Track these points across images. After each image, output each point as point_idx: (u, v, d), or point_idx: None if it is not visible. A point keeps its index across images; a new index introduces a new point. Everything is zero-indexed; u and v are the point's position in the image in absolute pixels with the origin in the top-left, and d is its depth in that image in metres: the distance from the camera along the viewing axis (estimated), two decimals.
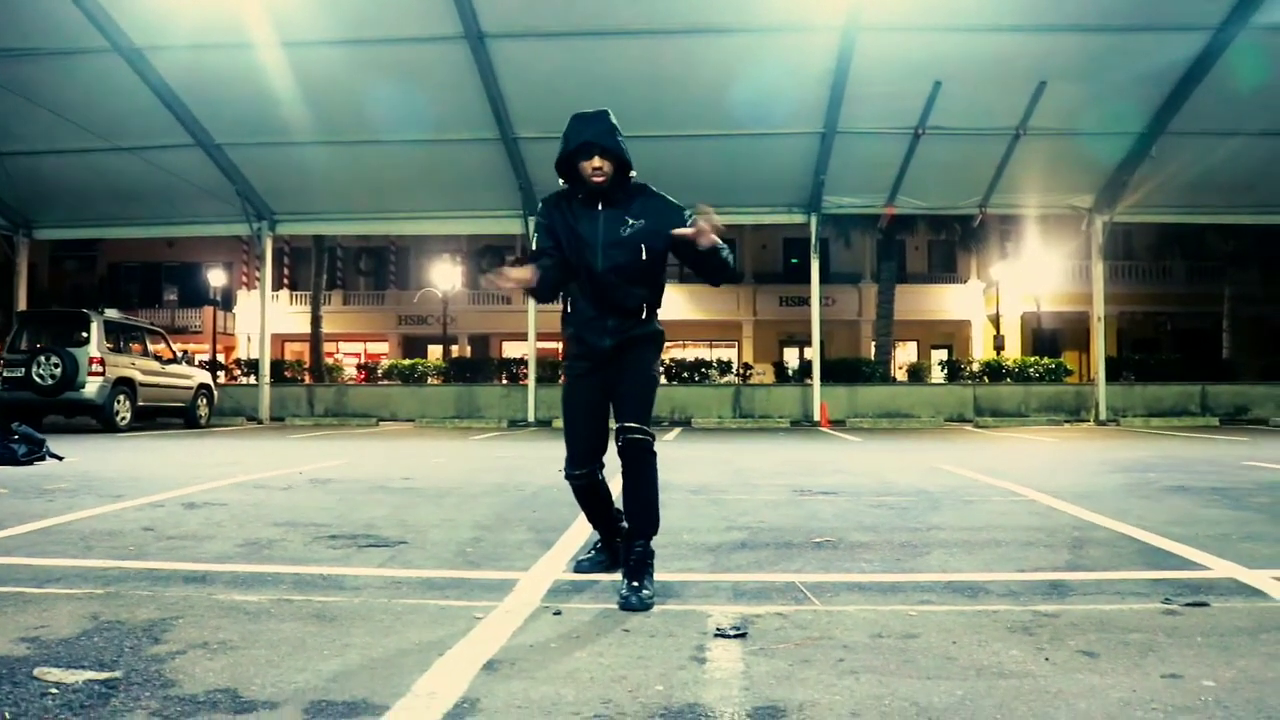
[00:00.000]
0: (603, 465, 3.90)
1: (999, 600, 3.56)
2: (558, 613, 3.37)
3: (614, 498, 4.02)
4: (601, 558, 4.12)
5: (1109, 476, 8.21)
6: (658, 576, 3.79)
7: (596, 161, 3.69)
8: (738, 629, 3.12)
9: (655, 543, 3.79)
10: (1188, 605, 3.46)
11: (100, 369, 15.66)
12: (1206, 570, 4.08)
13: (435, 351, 40.73)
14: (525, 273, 3.66)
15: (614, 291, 3.76)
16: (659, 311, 3.93)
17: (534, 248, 3.95)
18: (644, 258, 3.75)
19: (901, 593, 3.71)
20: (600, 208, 3.78)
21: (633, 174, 3.81)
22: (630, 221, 3.75)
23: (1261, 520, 5.51)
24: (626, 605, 3.46)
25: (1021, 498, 6.52)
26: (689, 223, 3.69)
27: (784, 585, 3.82)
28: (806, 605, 3.49)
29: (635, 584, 3.55)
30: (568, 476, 3.89)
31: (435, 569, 4.13)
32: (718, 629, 3.12)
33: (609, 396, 3.85)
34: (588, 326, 3.80)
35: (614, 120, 3.76)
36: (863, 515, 5.69)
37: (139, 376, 16.69)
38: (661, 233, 3.73)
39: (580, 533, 4.89)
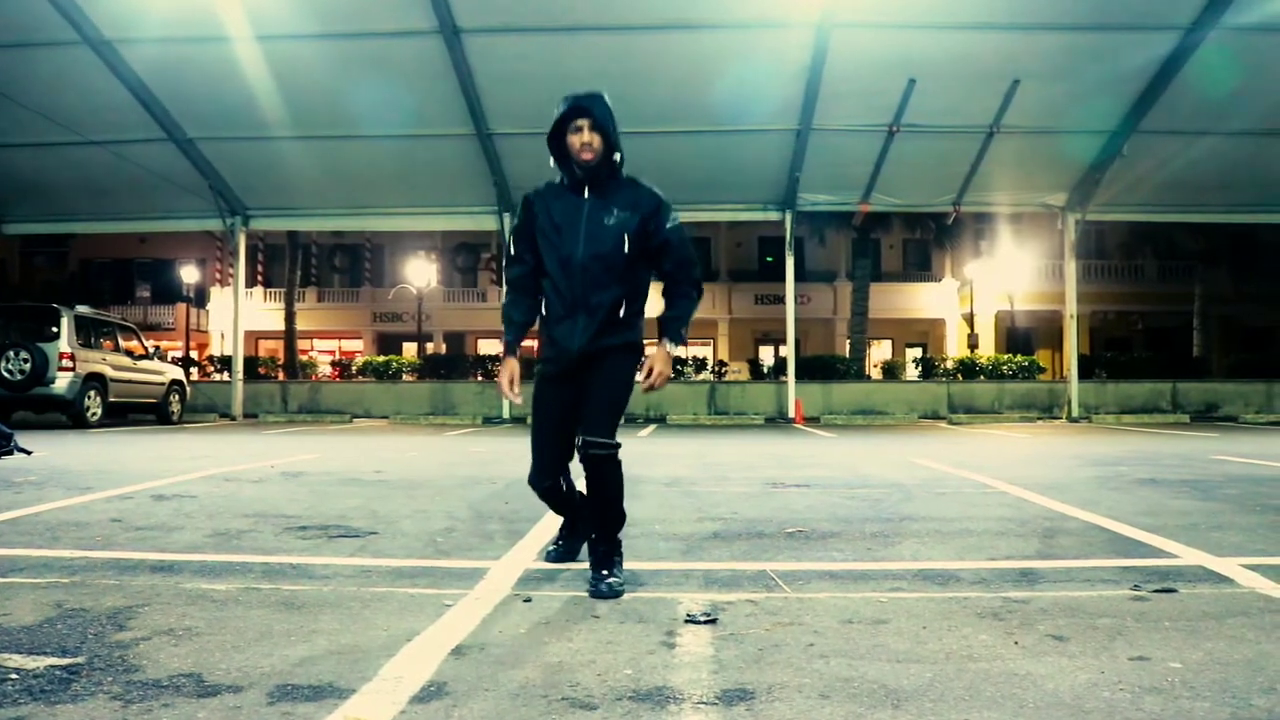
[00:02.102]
0: (568, 473, 3.82)
1: (969, 587, 3.57)
2: (528, 600, 3.35)
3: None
4: (569, 546, 4.07)
5: (1080, 470, 8.26)
6: (629, 565, 3.80)
7: (586, 135, 3.53)
8: (708, 615, 3.11)
9: (627, 534, 3.90)
10: (1156, 592, 3.47)
11: (70, 364, 15.48)
12: (1175, 558, 4.11)
13: (410, 349, 40.60)
14: (510, 371, 3.68)
15: (590, 285, 3.56)
16: (641, 320, 3.74)
17: (510, 253, 3.81)
18: (625, 250, 3.57)
19: (872, 580, 3.71)
20: (586, 195, 3.62)
21: (617, 158, 3.64)
22: (616, 212, 3.59)
23: (1230, 510, 5.55)
24: (596, 594, 3.43)
25: (994, 490, 6.55)
26: (640, 365, 3.66)
27: (755, 574, 3.82)
28: (777, 592, 3.49)
29: (604, 572, 3.53)
30: (533, 486, 3.80)
31: (406, 558, 4.11)
32: (688, 615, 3.12)
33: (579, 403, 3.65)
34: (559, 325, 3.62)
35: (609, 101, 3.62)
36: (835, 507, 5.70)
37: (110, 372, 16.52)
38: (643, 227, 3.62)
39: (552, 525, 4.86)
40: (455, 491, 6.43)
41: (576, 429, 3.67)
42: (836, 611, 3.19)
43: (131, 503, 5.77)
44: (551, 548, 4.13)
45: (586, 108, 3.53)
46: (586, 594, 3.43)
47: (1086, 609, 3.22)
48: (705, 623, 3.02)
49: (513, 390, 3.66)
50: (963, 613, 3.17)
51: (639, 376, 3.63)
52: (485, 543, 4.49)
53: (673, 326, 3.66)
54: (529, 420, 3.96)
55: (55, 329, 15.59)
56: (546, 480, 3.76)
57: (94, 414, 16.01)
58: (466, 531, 4.82)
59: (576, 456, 3.67)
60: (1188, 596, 3.42)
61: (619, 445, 3.61)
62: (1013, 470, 8.16)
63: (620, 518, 3.69)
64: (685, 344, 3.73)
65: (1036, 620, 3.06)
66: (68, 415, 15.72)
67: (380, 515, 5.33)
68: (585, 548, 3.77)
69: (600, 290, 3.57)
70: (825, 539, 4.60)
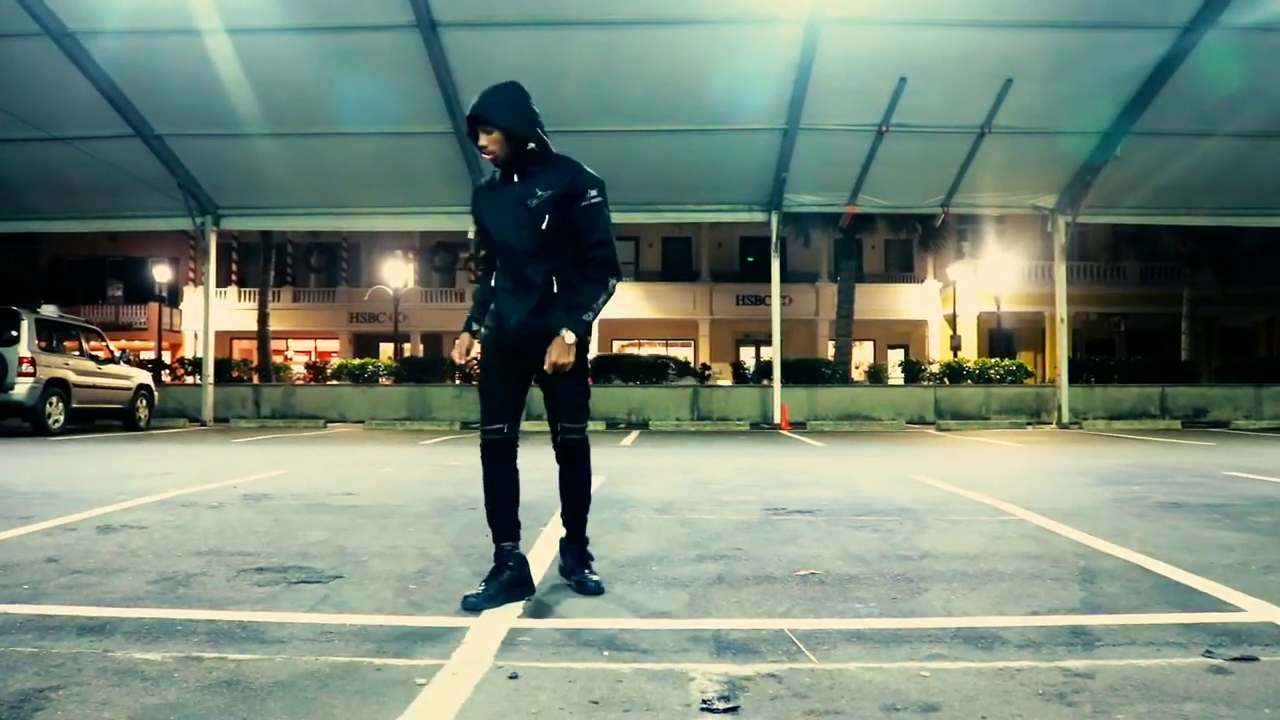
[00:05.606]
0: (516, 431, 3.92)
1: (1019, 654, 3.11)
2: (513, 677, 2.86)
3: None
4: (492, 591, 3.76)
5: (1093, 490, 7.82)
6: (629, 622, 3.48)
7: (482, 139, 3.75)
8: (726, 699, 2.64)
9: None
10: (1234, 660, 3.02)
11: (31, 369, 14.90)
12: (1240, 612, 3.65)
13: (387, 349, 40.01)
14: (464, 343, 4.08)
15: (521, 263, 3.82)
16: (577, 295, 3.87)
17: (477, 239, 4.25)
18: (543, 227, 3.76)
19: (908, 644, 3.24)
20: (515, 180, 3.82)
21: (531, 146, 3.76)
22: (539, 192, 3.76)
23: (1274, 545, 5.11)
24: (585, 590, 3.93)
25: (1010, 517, 6.10)
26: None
27: (773, 634, 3.35)
28: (802, 662, 3.02)
29: (588, 571, 4.04)
30: (483, 435, 3.90)
31: (373, 613, 3.62)
32: (703, 700, 2.64)
33: (529, 374, 3.95)
34: (504, 300, 3.90)
35: (519, 92, 3.77)
36: (846, 540, 5.23)
37: (73, 377, 15.92)
38: (564, 202, 3.78)
39: (537, 565, 4.38)
40: (431, 521, 5.92)
41: (522, 397, 3.99)
42: (875, 692, 2.72)
43: (73, 536, 5.25)
44: (475, 593, 3.77)
45: (479, 115, 3.70)
46: (577, 663, 2.96)
47: (1164, 687, 2.76)
48: (724, 711, 2.55)
49: (463, 358, 4.07)
50: (1022, 693, 2.71)
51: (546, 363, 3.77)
52: (463, 589, 3.98)
53: (575, 314, 3.78)
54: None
55: (15, 332, 15.00)
56: (497, 423, 3.88)
57: (56, 421, 15.42)
58: (442, 575, 4.32)
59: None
60: (1273, 667, 2.97)
61: (587, 427, 4.03)
62: (1022, 490, 7.72)
63: (588, 500, 4.08)
64: (588, 332, 3.83)
65: (1111, 706, 2.60)
66: (28, 422, 15.13)
67: (347, 552, 4.83)
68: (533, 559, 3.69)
69: (532, 270, 3.81)
70: (843, 584, 4.13)
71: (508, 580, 3.80)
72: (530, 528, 5.22)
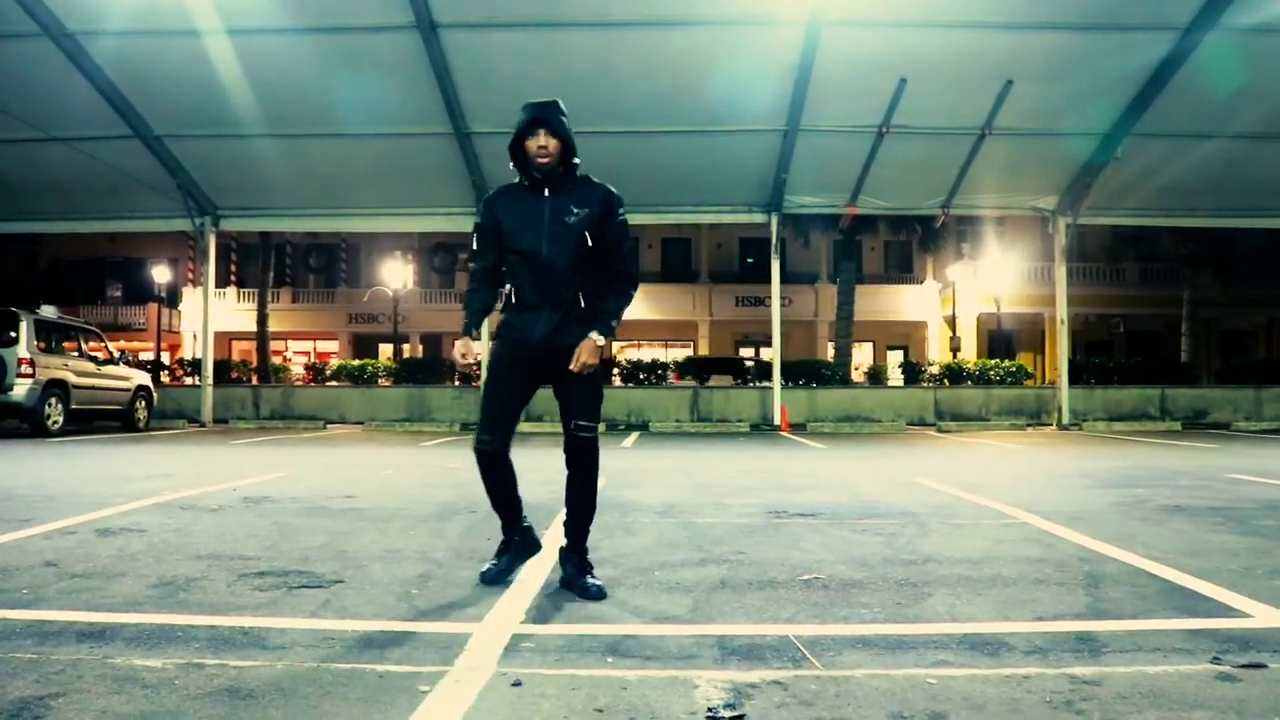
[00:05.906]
0: (509, 445, 4.04)
1: (1025, 660, 3.09)
2: (517, 684, 2.84)
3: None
4: (503, 564, 4.21)
5: (1096, 493, 7.80)
6: (632, 627, 3.47)
7: (542, 139, 3.82)
8: (732, 707, 2.62)
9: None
10: (1243, 667, 3.00)
11: (30, 370, 14.86)
12: (1247, 617, 3.63)
13: (386, 350, 39.96)
14: (465, 346, 4.01)
15: (555, 278, 3.89)
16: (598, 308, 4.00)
17: (474, 247, 4.12)
18: (589, 244, 3.89)
19: (913, 650, 3.22)
20: (546, 194, 3.91)
21: (576, 161, 3.92)
22: (575, 210, 3.87)
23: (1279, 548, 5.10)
24: (587, 595, 3.90)
25: (1013, 520, 6.08)
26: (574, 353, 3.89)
27: (777, 640, 3.32)
28: (807, 669, 2.99)
29: (589, 578, 4.00)
30: (477, 449, 4.00)
31: (374, 618, 3.59)
32: (709, 711, 2.61)
33: (540, 383, 4.05)
34: (524, 314, 3.95)
35: (564, 109, 3.90)
36: (849, 544, 5.21)
37: (72, 378, 15.89)
38: (599, 222, 3.91)
39: (540, 568, 4.37)
40: (431, 524, 5.90)
41: (523, 406, 4.10)
42: (882, 700, 2.70)
43: (73, 540, 5.22)
44: (488, 566, 4.22)
45: (544, 117, 3.84)
46: (580, 670, 2.93)
47: (1172, 696, 2.73)
48: None
49: (464, 360, 4.02)
50: (1031, 702, 2.69)
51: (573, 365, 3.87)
52: (465, 594, 3.97)
53: (604, 320, 3.92)
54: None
55: (14, 333, 14.96)
56: (488, 435, 3.98)
57: (55, 422, 15.38)
58: (444, 579, 4.29)
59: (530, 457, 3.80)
60: None
61: (597, 426, 4.02)
62: (1024, 494, 7.69)
63: (593, 508, 4.09)
64: (613, 336, 4.02)
65: (1120, 714, 2.58)
66: (27, 423, 15.10)
67: (348, 556, 4.80)
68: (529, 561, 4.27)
69: (565, 285, 3.90)
70: (846, 589, 4.11)
71: (516, 546, 4.23)
72: None
